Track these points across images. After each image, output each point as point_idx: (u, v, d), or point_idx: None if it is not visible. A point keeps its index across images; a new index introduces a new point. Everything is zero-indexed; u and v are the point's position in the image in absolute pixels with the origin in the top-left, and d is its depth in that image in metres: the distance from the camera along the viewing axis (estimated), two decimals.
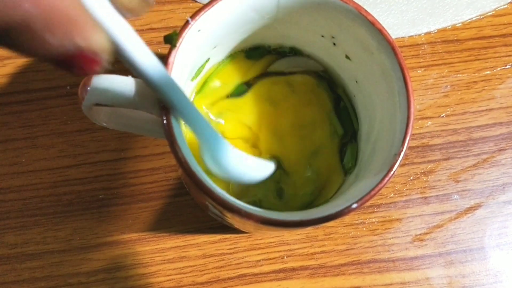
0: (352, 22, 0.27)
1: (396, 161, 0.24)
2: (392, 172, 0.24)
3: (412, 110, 0.25)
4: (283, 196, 0.31)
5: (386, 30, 0.26)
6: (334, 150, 0.32)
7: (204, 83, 0.32)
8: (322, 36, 0.30)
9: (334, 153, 0.32)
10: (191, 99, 0.32)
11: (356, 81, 0.31)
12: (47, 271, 0.34)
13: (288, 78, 0.33)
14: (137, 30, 0.37)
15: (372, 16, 0.26)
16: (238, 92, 0.33)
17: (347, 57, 0.30)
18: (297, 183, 0.31)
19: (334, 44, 0.30)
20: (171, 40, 0.24)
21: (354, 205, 0.24)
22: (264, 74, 0.33)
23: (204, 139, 0.24)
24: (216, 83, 0.32)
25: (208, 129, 0.24)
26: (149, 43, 0.38)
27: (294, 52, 0.33)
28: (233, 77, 0.33)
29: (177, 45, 0.24)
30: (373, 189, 0.24)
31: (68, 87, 0.36)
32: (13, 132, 0.35)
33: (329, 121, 0.32)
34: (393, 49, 0.26)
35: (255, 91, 0.32)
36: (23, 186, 0.35)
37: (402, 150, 0.25)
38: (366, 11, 0.26)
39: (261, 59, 0.33)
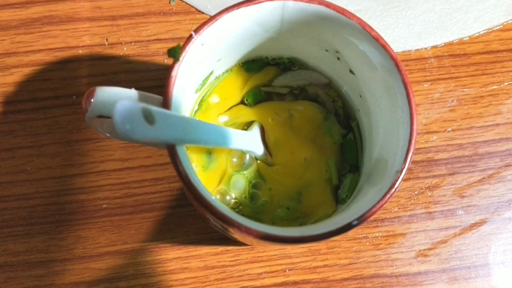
0: (356, 37, 0.27)
1: (398, 178, 0.24)
2: (393, 190, 0.24)
3: (414, 127, 0.25)
4: (256, 201, 0.31)
5: (389, 46, 0.26)
6: (325, 190, 0.31)
7: (202, 100, 0.32)
8: (326, 50, 0.30)
9: (325, 192, 0.31)
10: (193, 114, 0.32)
11: (360, 96, 0.31)
12: (50, 280, 0.34)
13: (291, 108, 0.32)
14: (144, 41, 0.38)
15: (376, 32, 0.26)
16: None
17: (351, 71, 0.30)
18: (274, 197, 0.31)
19: (338, 58, 0.30)
20: (175, 54, 0.24)
21: (355, 222, 0.24)
22: (266, 98, 0.33)
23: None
24: (214, 98, 0.32)
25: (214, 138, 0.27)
26: (155, 53, 0.38)
27: (292, 62, 0.33)
28: (232, 91, 0.32)
29: (180, 59, 0.25)
30: (374, 206, 0.24)
31: (74, 97, 0.37)
32: (19, 140, 0.36)
33: (326, 168, 0.31)
34: (396, 65, 0.26)
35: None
36: (27, 194, 0.35)
37: (404, 168, 0.24)
38: (370, 26, 0.26)
39: (260, 71, 0.33)
